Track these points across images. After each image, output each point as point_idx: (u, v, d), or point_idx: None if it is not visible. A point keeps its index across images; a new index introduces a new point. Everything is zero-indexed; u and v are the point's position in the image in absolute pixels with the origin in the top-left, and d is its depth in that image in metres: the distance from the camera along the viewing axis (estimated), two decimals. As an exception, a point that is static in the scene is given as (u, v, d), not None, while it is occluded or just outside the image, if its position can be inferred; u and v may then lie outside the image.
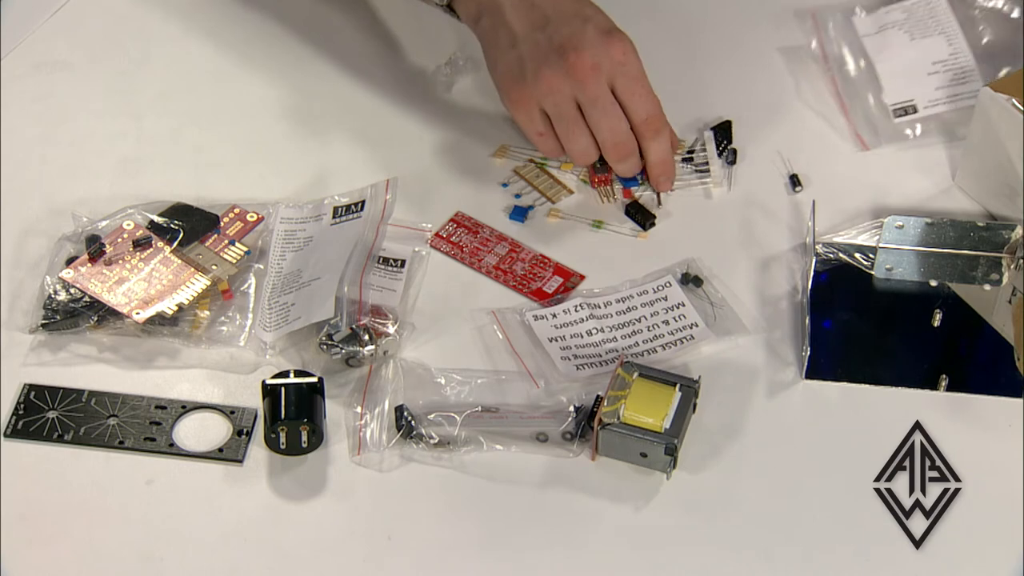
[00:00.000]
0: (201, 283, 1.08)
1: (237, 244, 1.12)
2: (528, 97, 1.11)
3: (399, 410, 1.02)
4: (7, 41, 1.27)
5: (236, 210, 1.14)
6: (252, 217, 1.13)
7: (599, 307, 1.10)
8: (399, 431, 1.02)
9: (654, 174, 1.14)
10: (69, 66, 1.26)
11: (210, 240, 1.12)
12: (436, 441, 1.02)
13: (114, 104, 1.23)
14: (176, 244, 1.11)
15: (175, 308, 1.07)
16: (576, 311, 1.09)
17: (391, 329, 1.07)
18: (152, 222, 1.12)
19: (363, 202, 1.14)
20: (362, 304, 1.07)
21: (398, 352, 1.07)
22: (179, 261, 1.10)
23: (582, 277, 1.12)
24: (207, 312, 1.09)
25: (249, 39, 1.27)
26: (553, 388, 1.05)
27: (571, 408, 1.03)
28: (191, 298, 1.08)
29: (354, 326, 1.06)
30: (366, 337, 1.06)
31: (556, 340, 1.08)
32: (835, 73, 1.23)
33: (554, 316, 1.09)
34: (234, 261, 1.11)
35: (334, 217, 1.14)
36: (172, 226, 1.12)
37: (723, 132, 1.20)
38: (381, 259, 1.12)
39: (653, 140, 1.12)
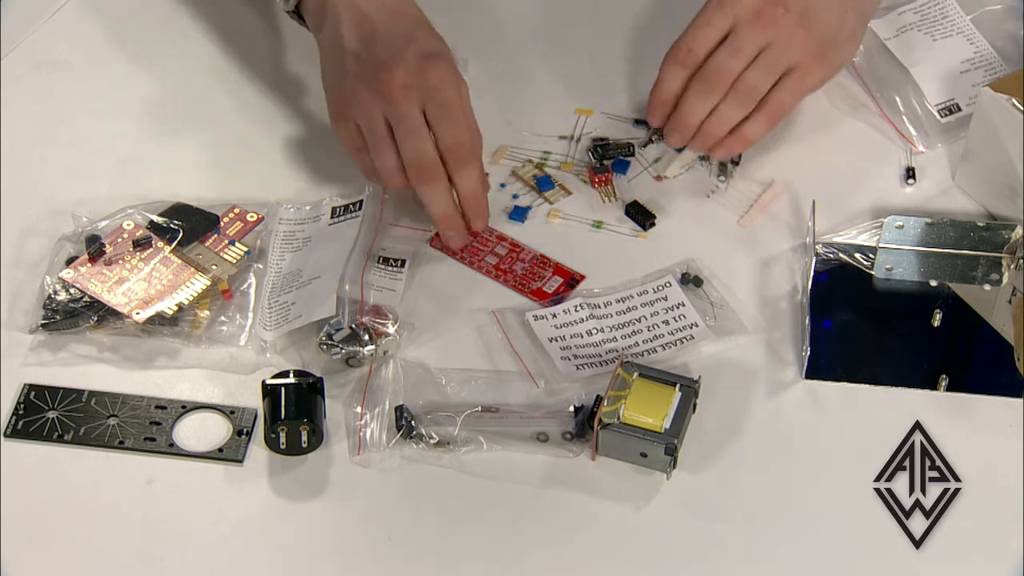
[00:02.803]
0: (201, 283, 1.08)
1: (237, 244, 1.12)
2: (344, 112, 1.10)
3: (399, 410, 1.02)
4: (7, 41, 1.27)
5: (236, 210, 1.14)
6: (252, 217, 1.13)
7: (599, 307, 1.10)
8: (399, 431, 1.02)
9: (464, 208, 1.11)
10: (69, 66, 1.26)
11: (210, 240, 1.12)
12: (436, 441, 1.02)
13: (114, 104, 1.23)
14: (176, 244, 1.11)
15: (175, 308, 1.07)
16: (576, 311, 1.09)
17: (391, 329, 1.07)
18: (152, 222, 1.12)
19: (361, 202, 1.14)
20: (363, 304, 1.08)
21: (398, 352, 1.07)
22: (179, 261, 1.10)
23: (582, 277, 1.12)
24: (207, 312, 1.09)
25: (249, 39, 1.27)
26: (553, 388, 1.05)
27: (571, 408, 1.03)
28: (191, 298, 1.08)
29: (354, 326, 1.06)
30: (366, 337, 1.06)
31: (556, 340, 1.08)
32: (866, 77, 1.23)
33: (554, 316, 1.09)
34: (234, 261, 1.11)
35: (332, 217, 1.14)
36: (172, 226, 1.12)
37: None
38: (381, 259, 1.12)
39: (459, 170, 1.09)
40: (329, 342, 1.06)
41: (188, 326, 1.08)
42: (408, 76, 1.07)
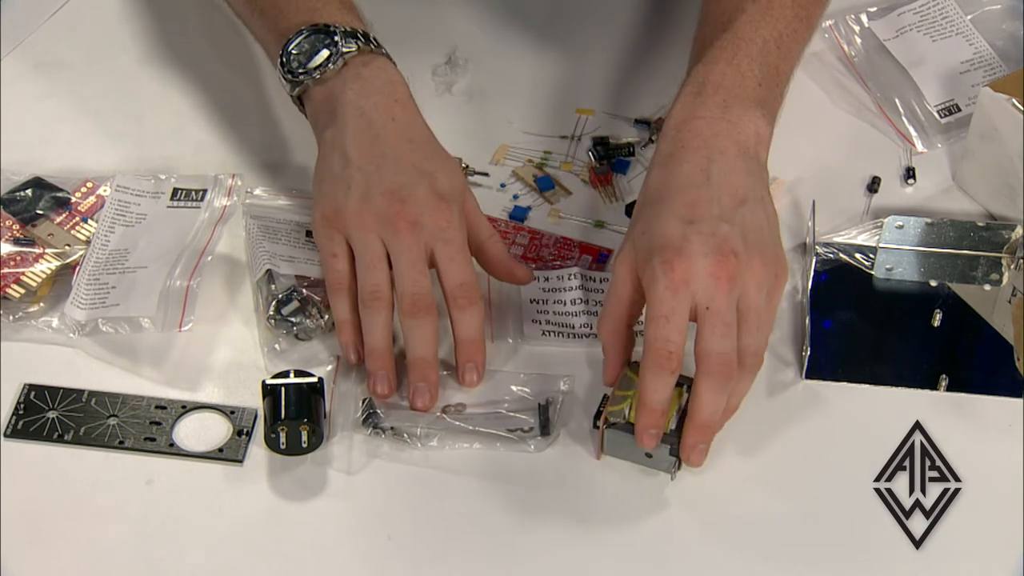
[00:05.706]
0: (50, 264, 1.06)
1: (89, 221, 1.10)
2: (339, 221, 1.04)
3: (366, 402, 1.02)
4: (7, 41, 1.27)
5: (88, 184, 1.11)
6: (105, 191, 1.11)
7: (593, 281, 1.09)
8: (363, 423, 1.02)
9: (460, 353, 1.05)
10: (69, 66, 1.26)
11: (61, 217, 1.10)
12: (397, 432, 1.01)
13: (114, 104, 1.23)
14: (27, 221, 1.09)
15: (21, 292, 1.06)
16: (569, 279, 1.09)
17: None
18: (3, 197, 1.10)
19: (204, 192, 1.12)
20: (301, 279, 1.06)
21: None
22: (29, 239, 1.08)
23: (609, 251, 1.12)
24: (48, 290, 1.07)
25: (249, 38, 1.27)
26: (513, 382, 1.05)
27: (538, 404, 1.03)
28: (37, 281, 1.06)
29: (301, 299, 1.05)
30: (315, 311, 1.05)
31: (536, 302, 1.08)
32: (866, 78, 1.23)
33: (547, 280, 1.09)
34: (85, 239, 1.09)
35: (172, 199, 1.10)
36: (23, 202, 1.10)
37: None
38: (309, 232, 1.10)
39: (463, 311, 1.03)
40: (278, 316, 1.05)
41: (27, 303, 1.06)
42: (419, 214, 1.03)
